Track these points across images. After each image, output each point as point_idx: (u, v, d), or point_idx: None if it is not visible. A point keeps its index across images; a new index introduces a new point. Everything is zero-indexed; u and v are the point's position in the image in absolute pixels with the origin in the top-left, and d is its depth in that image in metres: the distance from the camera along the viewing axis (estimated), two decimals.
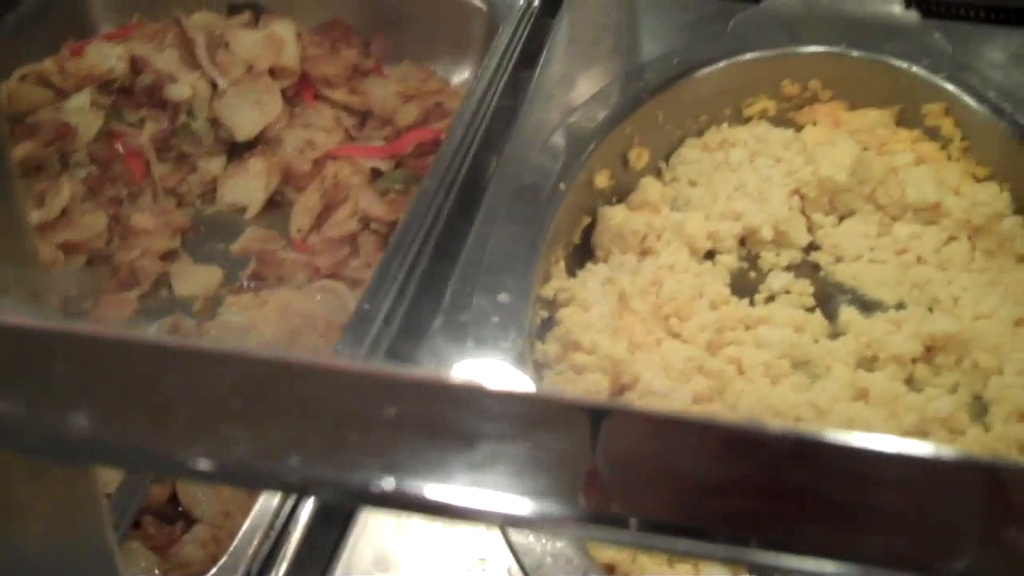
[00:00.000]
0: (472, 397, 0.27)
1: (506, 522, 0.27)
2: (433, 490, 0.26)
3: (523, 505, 0.27)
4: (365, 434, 0.26)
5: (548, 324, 0.91)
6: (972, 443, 0.84)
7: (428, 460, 0.26)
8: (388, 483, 0.25)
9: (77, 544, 0.37)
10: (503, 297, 0.86)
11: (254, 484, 0.40)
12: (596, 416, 0.27)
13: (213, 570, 0.67)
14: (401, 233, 0.91)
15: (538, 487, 0.27)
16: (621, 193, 1.05)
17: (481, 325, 0.84)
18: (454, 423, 0.27)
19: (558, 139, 1.01)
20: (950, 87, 1.08)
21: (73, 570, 0.37)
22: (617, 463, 0.27)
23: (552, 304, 0.93)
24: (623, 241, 1.00)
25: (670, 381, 0.87)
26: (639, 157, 1.06)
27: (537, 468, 0.27)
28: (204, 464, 0.26)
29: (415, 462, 0.26)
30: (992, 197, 1.01)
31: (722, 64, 1.11)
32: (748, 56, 1.11)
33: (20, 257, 0.34)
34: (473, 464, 0.27)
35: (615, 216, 1.01)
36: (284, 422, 0.27)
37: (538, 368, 0.88)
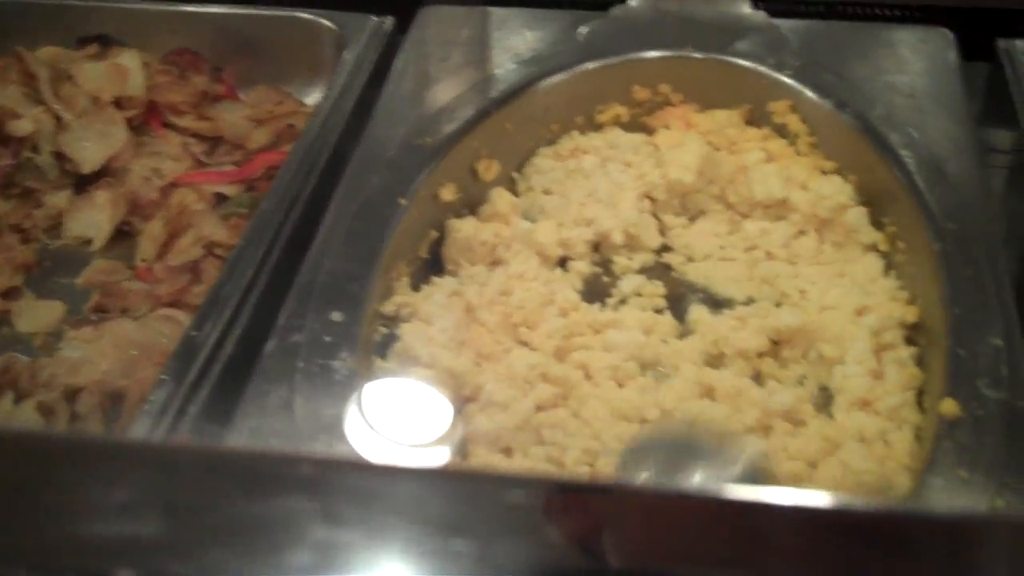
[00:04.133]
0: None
1: None
2: None
3: None
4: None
5: (389, 341, 0.90)
6: (814, 434, 0.84)
7: None
8: None
9: None
10: (336, 316, 0.85)
11: None
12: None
13: None
14: (235, 257, 0.90)
15: None
16: (472, 205, 1.04)
17: (313, 345, 0.83)
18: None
19: (399, 155, 1.00)
20: (793, 83, 1.08)
21: None
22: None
23: (394, 320, 0.92)
24: (472, 253, 1.00)
25: (513, 390, 0.86)
26: (488, 169, 1.06)
27: None
28: None
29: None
30: (836, 190, 1.02)
31: (568, 73, 1.10)
32: (593, 65, 1.11)
33: None
34: None
35: (463, 228, 1.00)
36: None
37: None
